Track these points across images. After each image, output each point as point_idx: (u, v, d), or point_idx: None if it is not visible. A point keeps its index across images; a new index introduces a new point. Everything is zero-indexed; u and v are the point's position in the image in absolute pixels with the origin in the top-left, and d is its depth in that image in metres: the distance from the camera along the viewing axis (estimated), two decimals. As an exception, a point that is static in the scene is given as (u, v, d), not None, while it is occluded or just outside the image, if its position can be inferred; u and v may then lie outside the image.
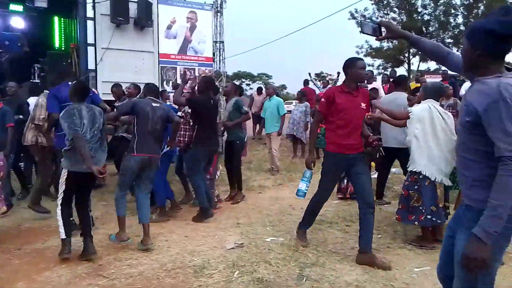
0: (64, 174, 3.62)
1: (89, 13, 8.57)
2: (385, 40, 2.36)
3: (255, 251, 3.76)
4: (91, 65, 8.56)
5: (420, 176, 3.74)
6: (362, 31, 2.26)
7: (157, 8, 9.27)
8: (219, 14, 46.77)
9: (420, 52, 2.20)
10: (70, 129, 3.48)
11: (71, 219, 3.86)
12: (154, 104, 4.19)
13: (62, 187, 3.65)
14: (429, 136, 3.69)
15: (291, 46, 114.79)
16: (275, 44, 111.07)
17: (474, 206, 1.75)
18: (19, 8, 9.51)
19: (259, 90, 12.23)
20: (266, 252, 3.74)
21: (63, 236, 3.62)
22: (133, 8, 8.78)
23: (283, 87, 54.75)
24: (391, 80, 10.29)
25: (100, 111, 3.86)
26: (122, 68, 8.54)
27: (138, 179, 4.13)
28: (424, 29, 19.64)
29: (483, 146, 1.72)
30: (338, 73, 11.30)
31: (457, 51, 1.82)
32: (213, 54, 10.94)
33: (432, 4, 19.04)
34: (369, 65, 26.81)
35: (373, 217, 3.56)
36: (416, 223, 3.80)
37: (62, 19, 10.37)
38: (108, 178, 6.74)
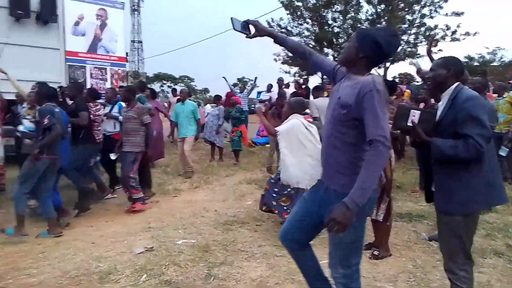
0: None
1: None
2: (254, 37, 2.53)
3: (165, 254, 3.76)
4: (-14, 61, 7.74)
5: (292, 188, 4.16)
6: (233, 28, 2.33)
7: (63, 2, 8.70)
8: (136, 12, 45.15)
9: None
10: None
11: None
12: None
13: None
14: (298, 150, 4.06)
15: (213, 49, 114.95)
16: (197, 46, 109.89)
17: (339, 190, 2.02)
18: None
19: (174, 92, 12.20)
20: (176, 254, 3.76)
21: None
22: (35, 1, 8.14)
23: (206, 90, 54.59)
24: (302, 87, 10.94)
25: None
26: (23, 65, 7.85)
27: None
28: (334, 40, 21.03)
29: (350, 137, 2.00)
30: (256, 78, 11.69)
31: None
32: (127, 54, 10.54)
33: (341, 18, 20.49)
34: (286, 72, 28.02)
35: None
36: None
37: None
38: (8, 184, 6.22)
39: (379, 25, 19.59)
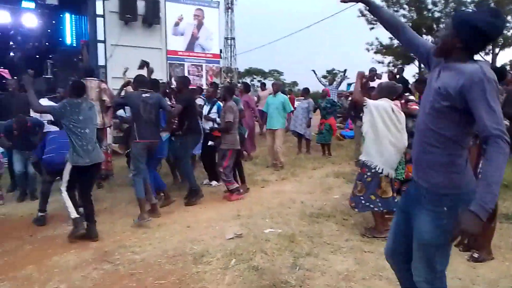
0: (68, 167, 4.02)
1: (99, 10, 8.79)
2: (349, 3, 2.36)
3: (253, 241, 3.92)
4: (101, 61, 8.80)
5: (370, 168, 3.92)
6: None
7: (165, 5, 9.47)
8: (230, 10, 46.91)
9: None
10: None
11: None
12: (144, 95, 4.63)
13: (66, 177, 4.06)
14: (381, 130, 3.82)
15: (302, 43, 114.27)
16: (287, 40, 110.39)
17: (434, 190, 1.85)
18: (31, 5, 9.74)
19: (263, 86, 12.44)
20: (264, 242, 3.89)
21: (74, 215, 4.02)
22: (141, 5, 8.99)
23: (295, 84, 54.70)
24: (396, 77, 10.35)
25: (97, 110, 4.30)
26: (131, 64, 8.71)
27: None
28: (434, 26, 19.47)
29: (449, 132, 1.80)
30: (345, 70, 11.38)
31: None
32: (220, 51, 11.06)
33: (443, 1, 18.87)
34: (379, 63, 26.72)
35: None
36: (356, 210, 4.10)
37: (73, 15, 10.60)
38: (117, 171, 7.01)
39: (485, 7, 17.57)
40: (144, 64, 5.96)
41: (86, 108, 4.12)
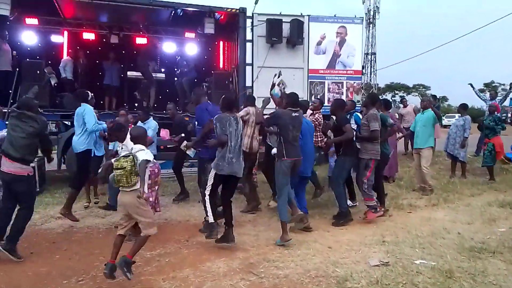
0: (212, 173, 4.44)
1: (248, 35, 9.52)
2: None
3: (401, 271, 3.60)
4: (248, 83, 9.47)
5: None
6: None
7: (308, 26, 9.70)
8: (371, 25, 45.72)
9: None
10: (222, 132, 4.32)
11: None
12: (293, 114, 4.69)
13: (210, 182, 4.47)
14: None
15: (453, 54, 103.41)
16: (434, 53, 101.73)
17: None
18: (192, 35, 11.12)
19: (403, 100, 11.62)
20: (414, 274, 3.55)
21: (211, 220, 4.43)
22: (286, 28, 9.39)
23: (444, 99, 49.84)
24: None
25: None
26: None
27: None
28: None
29: None
30: (511, 83, 9.90)
31: None
32: (363, 67, 10.77)
33: None
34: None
35: None
36: None
37: (226, 42, 11.72)
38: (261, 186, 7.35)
39: None
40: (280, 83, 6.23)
41: (233, 123, 4.45)
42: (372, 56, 46.92)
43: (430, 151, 7.15)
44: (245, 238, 4.68)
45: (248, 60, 9.51)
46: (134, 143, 3.67)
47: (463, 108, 8.23)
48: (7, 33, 9.18)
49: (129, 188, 3.47)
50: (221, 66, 11.63)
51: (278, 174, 4.68)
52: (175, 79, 10.91)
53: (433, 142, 7.20)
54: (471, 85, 10.38)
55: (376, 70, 46.66)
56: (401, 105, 12.01)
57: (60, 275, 3.68)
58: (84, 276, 3.65)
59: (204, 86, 10.85)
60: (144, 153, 3.53)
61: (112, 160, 3.64)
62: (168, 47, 11.03)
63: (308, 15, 9.78)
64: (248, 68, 9.58)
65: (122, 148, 4.40)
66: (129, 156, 3.50)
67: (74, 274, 3.69)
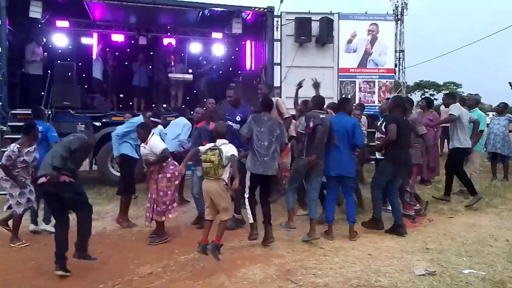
0: (248, 175, 4.47)
1: (276, 35, 9.35)
2: None
3: (450, 282, 3.39)
4: (276, 83, 9.29)
5: None
6: None
7: (338, 24, 9.44)
8: (399, 22, 44.62)
9: None
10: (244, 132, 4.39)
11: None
12: (321, 116, 4.57)
13: (247, 184, 4.46)
14: None
15: (488, 51, 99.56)
16: (465, 50, 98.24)
17: None
18: (219, 35, 11.05)
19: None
20: (463, 285, 3.34)
21: (251, 221, 4.45)
22: (315, 26, 9.17)
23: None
24: None
25: (280, 123, 4.58)
26: (304, 84, 8.96)
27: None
28: None
29: None
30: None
31: None
32: (395, 65, 10.42)
33: None
34: None
35: None
36: None
37: (253, 42, 11.59)
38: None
39: None
40: (317, 84, 6.01)
41: (266, 122, 4.42)
42: (401, 53, 45.71)
43: (477, 153, 6.88)
44: (279, 243, 4.53)
45: (276, 60, 9.36)
46: (219, 139, 4.08)
47: (505, 107, 7.84)
48: (43, 38, 9.39)
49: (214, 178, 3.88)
50: (248, 66, 11.52)
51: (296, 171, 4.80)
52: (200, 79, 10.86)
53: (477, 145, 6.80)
54: (510, 84, 9.92)
55: (404, 68, 45.45)
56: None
57: (96, 279, 3.65)
58: (120, 280, 3.60)
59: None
60: (230, 147, 4.00)
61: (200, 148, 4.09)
62: (195, 48, 11.01)
63: (338, 13, 9.50)
64: (276, 68, 9.42)
65: (144, 148, 4.65)
66: (215, 149, 3.88)
67: (109, 278, 3.65)
